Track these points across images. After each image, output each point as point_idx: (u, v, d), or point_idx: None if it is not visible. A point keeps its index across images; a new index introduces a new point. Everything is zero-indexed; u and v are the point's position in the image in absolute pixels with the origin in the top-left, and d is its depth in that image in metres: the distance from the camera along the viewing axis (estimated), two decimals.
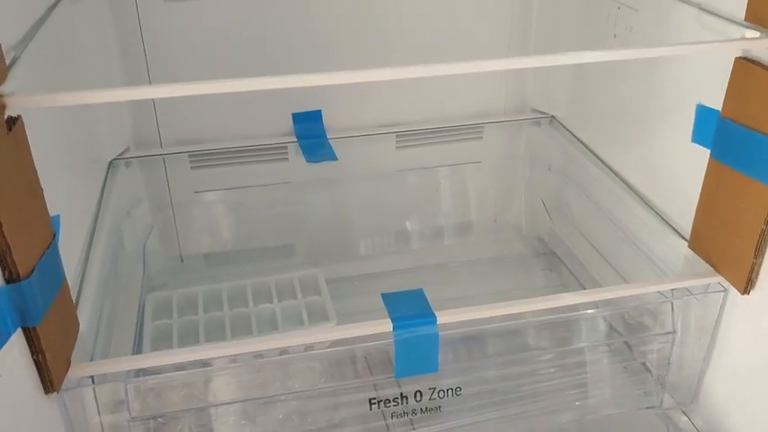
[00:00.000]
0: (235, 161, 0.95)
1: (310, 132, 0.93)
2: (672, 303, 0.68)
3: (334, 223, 1.01)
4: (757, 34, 0.59)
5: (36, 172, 0.52)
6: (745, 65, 0.60)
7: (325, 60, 0.93)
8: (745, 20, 0.60)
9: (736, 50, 0.61)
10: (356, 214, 1.01)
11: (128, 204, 0.91)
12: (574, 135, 0.96)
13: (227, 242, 1.02)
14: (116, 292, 0.80)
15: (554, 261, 1.04)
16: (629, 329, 0.72)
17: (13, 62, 0.54)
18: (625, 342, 0.77)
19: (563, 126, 0.98)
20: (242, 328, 0.85)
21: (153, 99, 0.90)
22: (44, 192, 0.53)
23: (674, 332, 0.69)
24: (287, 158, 0.96)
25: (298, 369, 0.67)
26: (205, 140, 0.94)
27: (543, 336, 0.69)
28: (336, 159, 0.90)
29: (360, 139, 0.96)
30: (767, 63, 0.58)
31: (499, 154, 1.04)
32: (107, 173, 0.88)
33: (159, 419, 0.62)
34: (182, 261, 1.02)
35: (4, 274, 0.48)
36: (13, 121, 0.49)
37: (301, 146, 0.91)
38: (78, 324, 0.60)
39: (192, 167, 0.95)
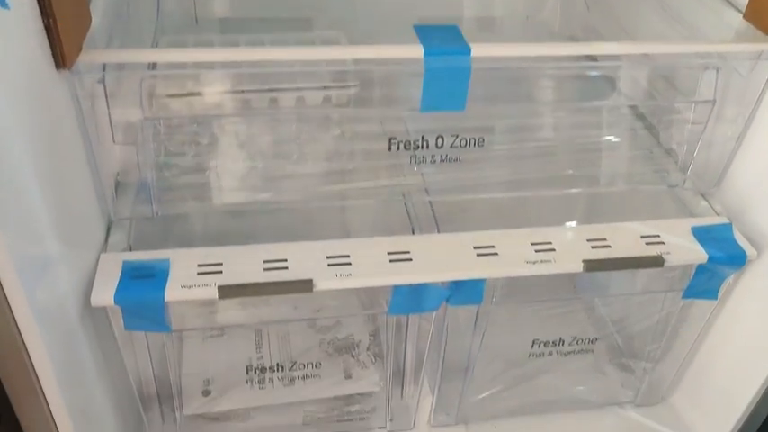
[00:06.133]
0: None
1: None
2: (717, 69, 0.65)
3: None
4: None
5: None
6: None
7: None
8: None
9: None
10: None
11: None
12: None
13: (243, 8, 0.97)
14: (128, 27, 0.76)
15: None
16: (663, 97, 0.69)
17: None
18: (650, 130, 0.74)
19: None
20: None
21: None
22: None
23: (714, 101, 0.66)
24: None
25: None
26: None
27: (576, 89, 0.66)
28: None
29: None
30: None
31: None
32: None
33: (171, 124, 0.60)
34: (196, 23, 0.97)
35: None
36: None
37: None
38: (90, 18, 0.57)
39: None
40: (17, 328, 0.50)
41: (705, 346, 0.79)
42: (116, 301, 0.56)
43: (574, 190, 0.71)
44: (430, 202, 0.69)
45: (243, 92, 0.68)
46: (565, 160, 0.69)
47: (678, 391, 0.85)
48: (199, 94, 0.63)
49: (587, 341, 0.77)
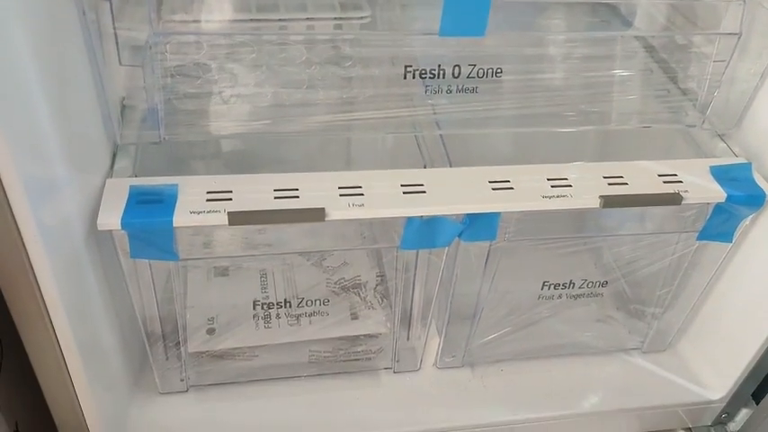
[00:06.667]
0: None
1: None
2: (744, 0, 0.63)
3: None
4: None
5: None
6: None
7: None
8: None
9: None
10: None
11: None
12: None
13: None
14: None
15: None
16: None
17: None
18: (665, 69, 0.72)
19: None
20: None
21: None
22: None
23: (740, 34, 0.64)
24: None
25: None
26: None
27: (593, 22, 0.64)
28: None
29: None
30: None
31: None
32: None
33: (178, 50, 0.58)
34: None
35: None
36: None
37: None
38: None
39: None
40: (24, 248, 0.49)
41: (715, 292, 0.78)
42: (123, 226, 0.55)
43: (588, 127, 0.69)
44: (441, 137, 0.67)
45: (251, 20, 0.66)
46: (579, 95, 0.68)
47: (685, 339, 0.84)
48: (207, 21, 0.61)
49: (597, 284, 0.76)
